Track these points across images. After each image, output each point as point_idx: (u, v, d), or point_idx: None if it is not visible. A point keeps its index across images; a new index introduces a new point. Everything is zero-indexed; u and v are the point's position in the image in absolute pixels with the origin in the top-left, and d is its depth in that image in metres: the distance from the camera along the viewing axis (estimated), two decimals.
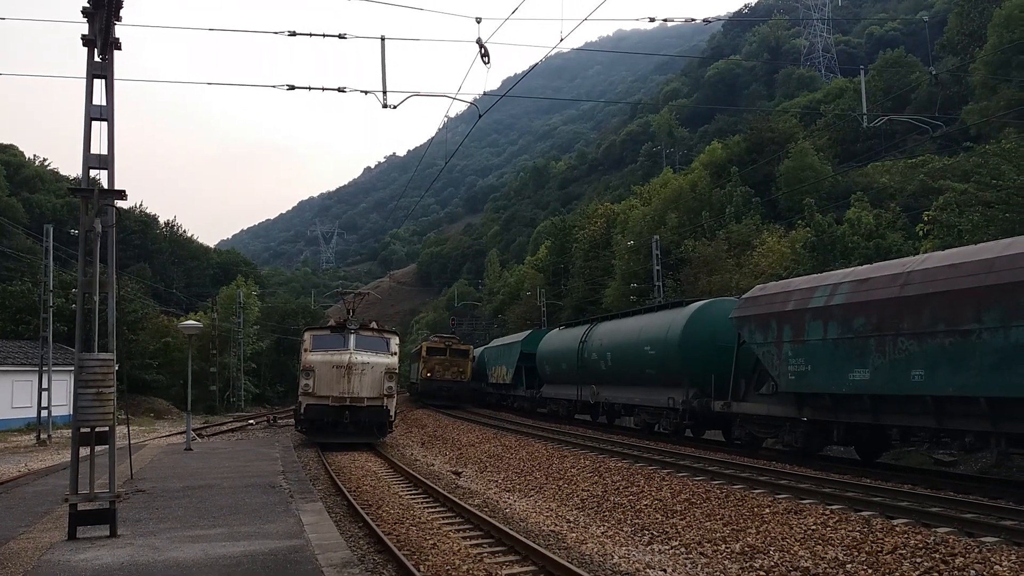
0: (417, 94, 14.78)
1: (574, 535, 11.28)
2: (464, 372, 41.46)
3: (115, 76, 9.76)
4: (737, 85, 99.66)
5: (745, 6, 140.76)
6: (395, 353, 24.97)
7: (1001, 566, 7.36)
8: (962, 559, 7.69)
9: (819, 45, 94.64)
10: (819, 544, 8.95)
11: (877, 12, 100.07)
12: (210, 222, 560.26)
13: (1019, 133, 28.31)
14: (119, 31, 9.78)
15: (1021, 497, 11.38)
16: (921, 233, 26.71)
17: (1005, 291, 11.39)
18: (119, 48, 9.75)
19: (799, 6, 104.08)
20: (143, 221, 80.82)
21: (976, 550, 7.85)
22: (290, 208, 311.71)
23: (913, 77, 51.90)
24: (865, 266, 16.16)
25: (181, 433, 28.81)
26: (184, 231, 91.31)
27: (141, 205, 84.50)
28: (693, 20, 18.77)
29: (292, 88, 14.46)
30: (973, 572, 7.39)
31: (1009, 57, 41.39)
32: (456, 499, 13.69)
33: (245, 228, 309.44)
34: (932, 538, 8.37)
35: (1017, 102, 35.69)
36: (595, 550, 10.32)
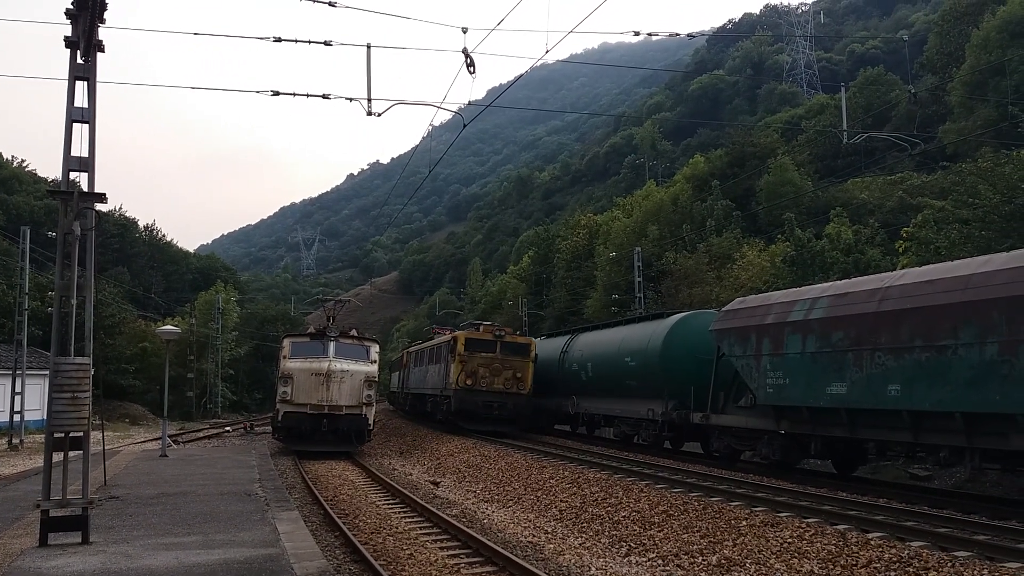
0: (402, 102, 14.80)
1: (552, 546, 11.26)
2: (523, 379, 25.71)
3: (98, 79, 9.69)
4: (720, 100, 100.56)
5: (729, 21, 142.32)
6: (375, 361, 24.87)
7: None
8: (935, 573, 7.75)
9: (801, 62, 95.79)
10: (795, 557, 8.99)
11: (858, 30, 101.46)
12: (190, 227, 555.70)
13: (995, 153, 28.73)
14: (102, 33, 9.72)
15: (994, 512, 11.51)
16: (900, 249, 27.03)
17: (981, 308, 11.54)
18: (102, 51, 9.67)
19: (782, 23, 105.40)
20: (122, 225, 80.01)
21: (949, 564, 7.92)
22: (271, 214, 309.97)
23: (893, 95, 52.62)
24: (843, 281, 16.31)
25: (157, 439, 28.47)
26: (164, 235, 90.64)
27: (121, 208, 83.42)
28: (677, 35, 18.92)
29: (277, 94, 14.42)
30: None
31: (986, 78, 42.09)
32: (434, 509, 13.62)
33: (226, 233, 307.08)
34: (906, 552, 8.44)
35: (993, 122, 36.24)
36: (573, 561, 10.30)
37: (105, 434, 16.81)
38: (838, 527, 9.90)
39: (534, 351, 26.45)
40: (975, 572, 7.61)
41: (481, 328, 27.48)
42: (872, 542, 8.99)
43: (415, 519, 13.40)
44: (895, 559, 8.29)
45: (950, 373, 11.87)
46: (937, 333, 12.17)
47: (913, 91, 39.17)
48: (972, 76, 42.98)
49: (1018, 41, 41.10)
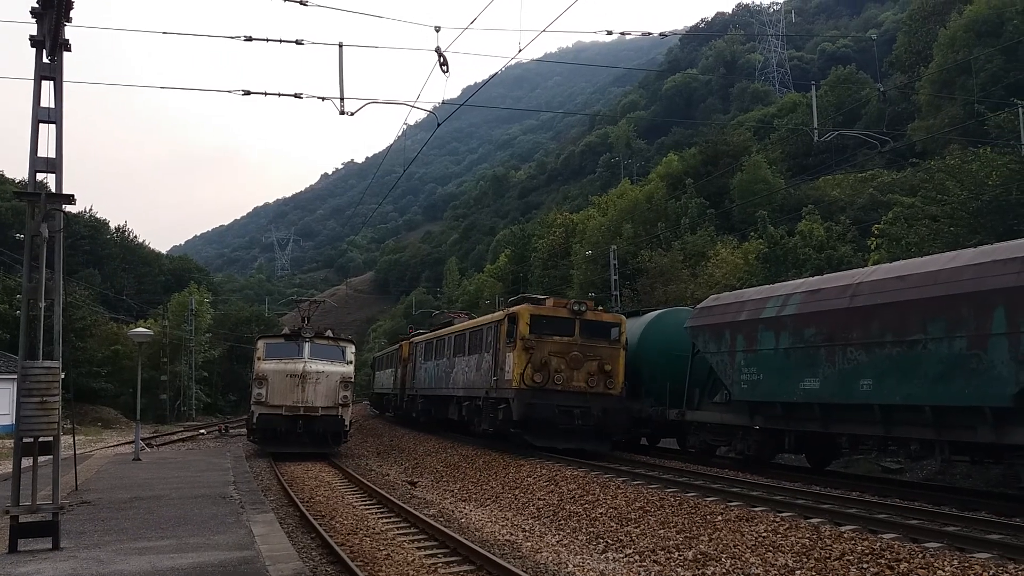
0: (375, 101, 14.74)
1: (529, 544, 11.28)
2: (613, 374, 18.34)
3: (64, 78, 9.55)
4: (694, 98, 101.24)
5: (702, 20, 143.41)
6: (351, 362, 24.74)
7: (943, 571, 7.55)
8: (906, 564, 7.87)
9: (773, 60, 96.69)
10: (770, 551, 9.08)
11: (829, 29, 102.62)
12: (162, 227, 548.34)
13: (963, 150, 29.23)
14: (69, 32, 9.59)
15: (964, 503, 11.71)
16: (871, 246, 27.41)
17: (949, 303, 11.73)
18: (69, 50, 9.54)
19: (754, 22, 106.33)
20: (93, 226, 78.87)
21: (920, 555, 8.04)
22: (245, 214, 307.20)
23: (863, 93, 53.30)
24: (816, 277, 16.51)
25: (130, 443, 28.13)
26: (135, 236, 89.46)
27: (91, 210, 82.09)
28: (650, 34, 19.03)
29: (248, 93, 14.29)
30: None
31: (953, 77, 42.75)
32: (411, 509, 13.59)
33: (198, 234, 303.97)
34: (878, 544, 8.55)
35: (960, 120, 36.84)
36: (550, 559, 10.33)
37: (77, 438, 16.58)
38: (812, 521, 10.02)
39: (625, 334, 18.90)
40: (945, 563, 7.73)
41: (550, 302, 19.26)
42: (845, 535, 9.10)
43: (392, 519, 13.35)
44: (867, 551, 8.40)
45: (920, 367, 12.06)
46: (907, 328, 12.36)
47: (882, 89, 39.69)
48: (940, 75, 43.66)
49: (984, 40, 41.79)
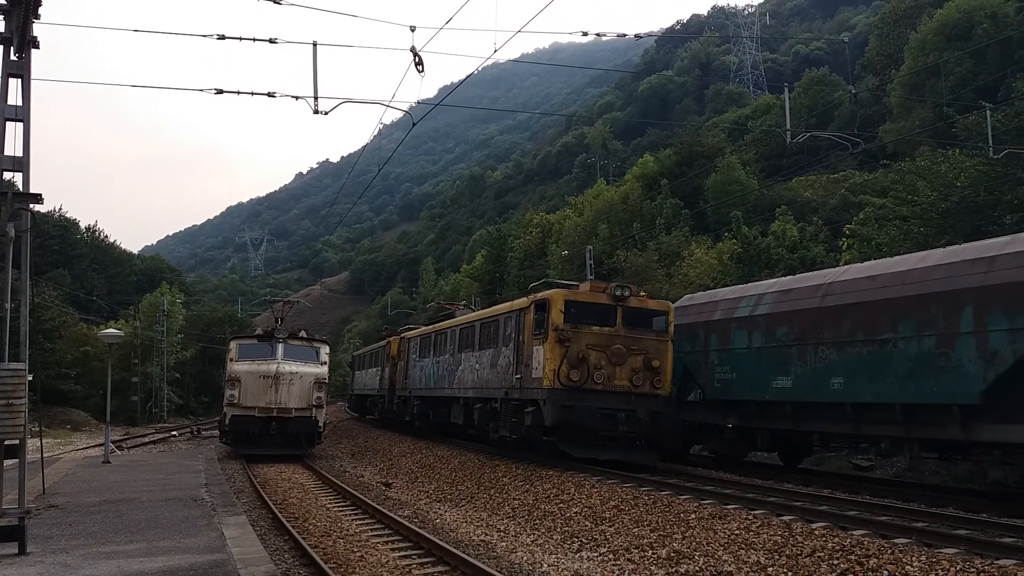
0: (349, 100, 14.65)
1: (504, 544, 11.27)
2: (660, 370, 15.90)
3: (32, 76, 9.42)
4: (669, 100, 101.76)
5: (677, 22, 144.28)
6: (325, 363, 24.61)
7: (912, 566, 7.65)
8: (876, 560, 7.96)
9: (748, 62, 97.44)
10: (742, 548, 9.14)
11: (803, 32, 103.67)
12: (134, 227, 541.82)
13: (932, 152, 29.66)
14: (37, 29, 9.46)
15: (932, 500, 11.88)
16: (843, 246, 27.73)
17: (918, 302, 11.90)
18: (37, 47, 9.42)
19: (729, 24, 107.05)
20: (62, 226, 77.66)
21: (889, 551, 8.14)
22: (218, 213, 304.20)
23: (836, 95, 53.88)
24: (788, 277, 16.68)
25: (99, 445, 27.70)
26: (106, 236, 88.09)
27: (60, 209, 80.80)
28: (625, 35, 19.10)
29: (220, 92, 14.15)
30: (886, 572, 7.66)
31: (923, 79, 43.36)
32: (385, 510, 13.53)
33: (171, 234, 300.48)
34: (849, 540, 8.65)
35: (930, 122, 37.37)
36: (525, 559, 10.33)
37: (44, 441, 16.31)
38: (784, 518, 10.11)
39: (673, 323, 16.32)
40: (913, 558, 7.83)
41: (585, 286, 16.88)
42: (816, 532, 9.19)
43: (366, 521, 13.29)
44: (838, 548, 8.49)
45: (890, 366, 12.23)
46: (877, 327, 12.53)
47: (855, 92, 40.16)
48: (910, 77, 44.25)
49: (954, 44, 42.42)
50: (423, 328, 27.38)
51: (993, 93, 35.40)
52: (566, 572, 9.56)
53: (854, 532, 9.11)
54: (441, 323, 24.97)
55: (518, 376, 16.58)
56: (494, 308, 20.23)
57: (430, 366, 24.24)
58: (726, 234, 35.94)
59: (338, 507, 14.87)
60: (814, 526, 9.53)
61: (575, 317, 15.49)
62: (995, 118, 25.85)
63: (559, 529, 11.72)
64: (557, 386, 15.11)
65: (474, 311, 24.76)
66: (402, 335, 29.50)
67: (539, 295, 16.52)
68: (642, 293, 17.19)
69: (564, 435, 15.55)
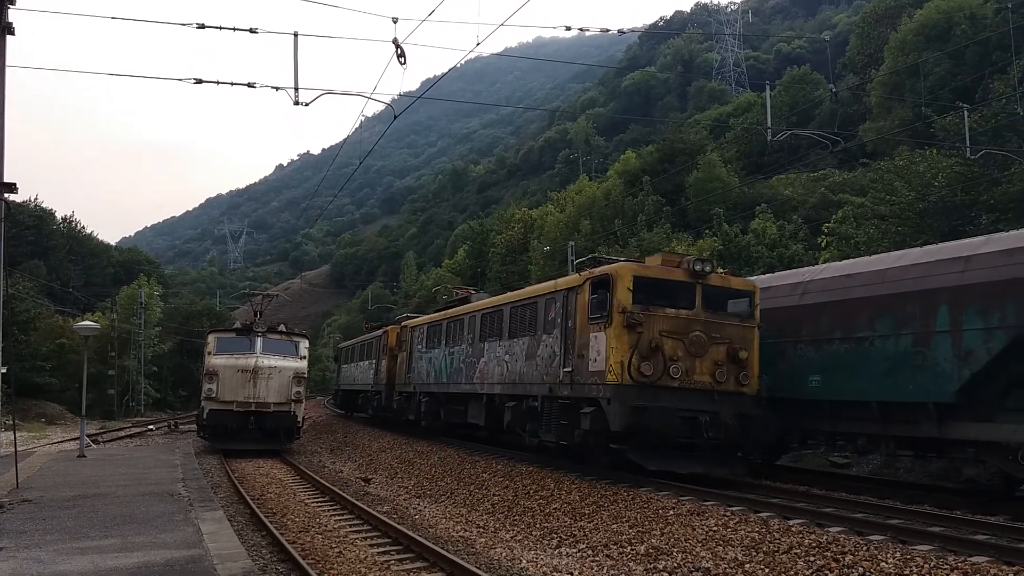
0: (331, 92, 14.55)
1: (483, 540, 11.26)
2: (747, 364, 13.15)
3: (7, 63, 9.26)
4: (652, 96, 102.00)
5: (661, 19, 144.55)
6: (304, 357, 24.47)
7: (887, 563, 7.73)
8: (851, 557, 8.03)
9: (730, 60, 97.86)
10: (720, 545, 9.19)
11: (785, 30, 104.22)
12: (112, 219, 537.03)
13: (911, 151, 29.95)
14: (12, 15, 9.30)
15: (908, 497, 12.01)
16: (822, 244, 27.95)
17: (895, 301, 12.01)
18: (12, 33, 9.28)
19: (712, 21, 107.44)
20: (38, 216, 76.55)
21: (865, 548, 8.22)
22: (197, 205, 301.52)
23: (816, 94, 54.24)
24: (767, 275, 16.77)
25: (75, 439, 27.40)
26: (83, 227, 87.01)
27: (36, 199, 79.65)
28: (608, 31, 19.13)
29: (200, 82, 14.02)
30: (861, 569, 7.73)
31: (903, 79, 43.76)
32: (364, 506, 13.47)
33: (149, 225, 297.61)
34: (825, 537, 8.72)
35: (909, 122, 37.72)
36: (504, 555, 10.32)
37: (19, 434, 16.10)
38: (761, 515, 10.17)
39: (759, 306, 13.67)
40: (888, 555, 7.90)
41: (655, 259, 14.12)
42: (793, 528, 9.26)
43: (345, 516, 13.23)
44: (814, 544, 8.56)
45: (867, 364, 12.33)
46: (855, 325, 12.63)
47: (835, 90, 40.49)
48: (890, 77, 44.65)
49: (933, 45, 42.84)
50: (431, 315, 24.30)
51: (971, 94, 35.79)
52: (545, 568, 9.56)
53: (831, 529, 9.19)
54: (455, 308, 21.84)
55: (566, 369, 13.83)
56: (530, 289, 17.32)
57: (441, 358, 21.18)
58: (707, 231, 36.09)
59: (317, 502, 14.80)
60: (791, 523, 9.60)
61: (645, 298, 12.70)
62: (972, 119, 26.13)
63: (538, 525, 11.73)
64: (626, 382, 12.36)
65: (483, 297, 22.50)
66: (403, 324, 26.55)
67: (598, 270, 13.53)
68: (721, 269, 14.58)
69: (635, 443, 12.73)
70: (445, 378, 20.67)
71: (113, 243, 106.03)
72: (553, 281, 15.61)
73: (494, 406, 17.48)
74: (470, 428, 20.09)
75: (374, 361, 29.78)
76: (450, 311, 21.94)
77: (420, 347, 23.47)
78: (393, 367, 26.78)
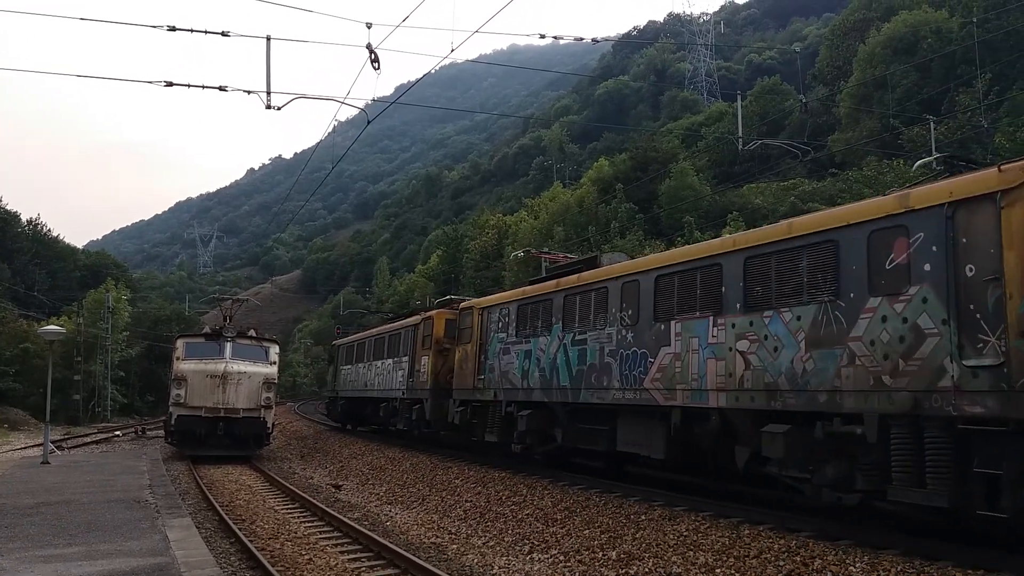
0: (303, 96, 14.46)
1: (455, 546, 11.22)
2: None
3: None
4: (625, 105, 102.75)
5: (634, 28, 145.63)
6: (275, 362, 24.26)
7: (855, 567, 7.82)
8: (820, 561, 8.12)
9: (702, 70, 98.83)
10: (691, 550, 9.24)
11: (756, 41, 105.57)
12: (79, 222, 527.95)
13: (879, 162, 30.46)
14: None
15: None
16: None
17: None
18: None
19: (685, 31, 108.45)
20: (2, 219, 75.30)
21: (833, 552, 8.31)
22: (166, 209, 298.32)
23: (787, 104, 54.99)
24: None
25: (38, 445, 26.86)
26: (49, 230, 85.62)
27: (0, 202, 78.33)
28: (582, 39, 19.25)
29: (170, 84, 13.87)
30: (830, 573, 7.81)
31: (871, 91, 44.53)
32: (335, 513, 13.37)
33: (117, 229, 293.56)
34: (794, 542, 8.80)
35: (877, 133, 38.37)
36: (476, 561, 10.29)
37: None
38: (732, 519, 10.24)
39: None
40: (856, 559, 8.00)
41: None
42: (763, 533, 9.33)
43: (315, 523, 13.12)
44: (784, 549, 8.64)
45: None
46: None
47: (805, 101, 41.08)
48: (858, 89, 45.42)
49: (900, 57, 43.65)
50: (524, 288, 16.94)
51: (937, 106, 36.50)
52: (517, 574, 9.55)
53: (800, 533, 9.27)
54: (572, 276, 14.72)
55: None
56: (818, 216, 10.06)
57: (556, 351, 14.50)
58: (679, 239, 36.37)
59: (287, 509, 14.65)
60: (761, 528, 9.68)
61: None
62: (939, 131, 26.65)
63: (511, 531, 11.71)
64: None
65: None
66: (464, 305, 19.51)
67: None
68: None
69: None
70: (566, 380, 14.12)
71: (80, 246, 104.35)
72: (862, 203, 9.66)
73: (702, 428, 11.09)
74: (619, 459, 14.13)
75: (404, 359, 23.07)
76: (569, 279, 14.73)
77: (505, 335, 16.64)
78: (443, 366, 20.21)
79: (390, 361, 24.68)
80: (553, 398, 14.49)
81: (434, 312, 21.54)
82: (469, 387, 17.88)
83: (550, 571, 9.58)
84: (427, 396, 20.48)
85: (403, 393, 22.76)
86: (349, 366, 30.80)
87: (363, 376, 28.21)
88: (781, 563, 8.29)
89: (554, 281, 15.36)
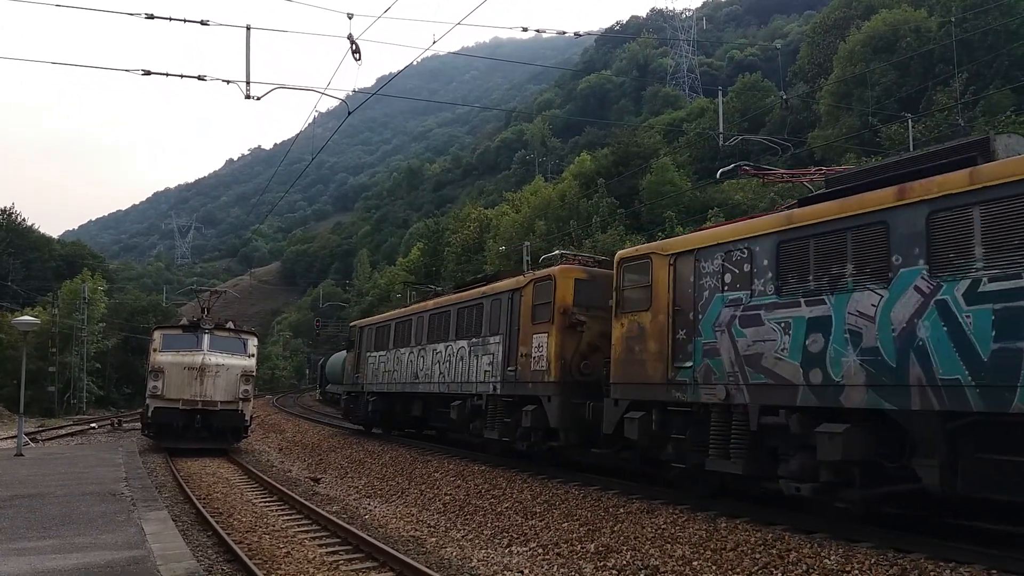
0: (283, 87, 14.35)
1: (434, 540, 11.22)
2: None
3: None
4: (607, 99, 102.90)
5: (617, 23, 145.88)
6: (253, 355, 24.12)
7: (830, 559, 7.91)
8: (796, 554, 8.20)
9: (684, 65, 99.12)
10: (668, 543, 9.30)
11: (738, 37, 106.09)
12: (55, 211, 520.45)
13: (857, 159, 30.74)
14: None
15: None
16: None
17: None
18: None
19: (667, 27, 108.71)
20: None
21: (809, 545, 8.40)
22: (144, 199, 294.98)
23: (768, 101, 55.32)
24: None
25: (12, 437, 26.54)
26: (24, 220, 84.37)
27: None
28: (565, 33, 19.23)
29: (148, 73, 13.73)
30: (805, 566, 7.90)
31: (851, 89, 44.88)
32: (313, 506, 13.32)
33: (94, 219, 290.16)
34: (770, 535, 8.88)
35: (856, 130, 38.69)
36: (455, 554, 10.30)
37: None
38: (709, 513, 10.32)
39: None
40: (830, 552, 8.09)
41: None
42: (740, 526, 9.42)
43: (293, 516, 13.06)
44: (760, 542, 8.72)
45: None
46: None
47: (786, 98, 41.38)
48: (838, 86, 45.77)
49: (880, 55, 44.04)
50: (812, 208, 9.93)
51: (915, 104, 36.89)
52: (495, 567, 9.56)
53: (776, 526, 9.36)
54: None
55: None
56: None
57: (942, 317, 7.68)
58: (660, 234, 36.51)
59: (264, 502, 14.57)
60: (738, 521, 9.76)
61: None
62: (917, 128, 26.92)
63: (490, 524, 11.73)
64: None
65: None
66: (650, 251, 12.05)
67: None
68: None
69: None
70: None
71: (56, 236, 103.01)
72: None
73: None
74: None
75: (492, 340, 16.59)
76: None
77: (745, 294, 10.01)
78: (574, 350, 14.06)
79: (463, 343, 18.02)
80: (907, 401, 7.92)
81: (556, 269, 14.74)
82: (656, 381, 11.31)
83: (529, 564, 9.60)
84: (549, 393, 14.05)
85: (495, 388, 16.11)
86: (382, 352, 23.75)
87: (410, 365, 21.35)
88: (757, 555, 8.37)
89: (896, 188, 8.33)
